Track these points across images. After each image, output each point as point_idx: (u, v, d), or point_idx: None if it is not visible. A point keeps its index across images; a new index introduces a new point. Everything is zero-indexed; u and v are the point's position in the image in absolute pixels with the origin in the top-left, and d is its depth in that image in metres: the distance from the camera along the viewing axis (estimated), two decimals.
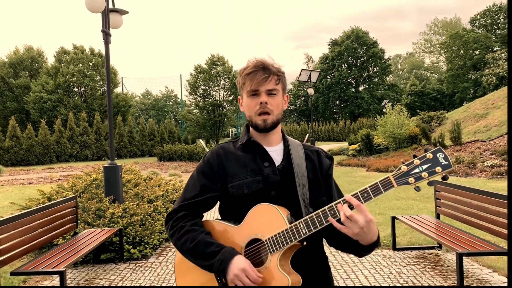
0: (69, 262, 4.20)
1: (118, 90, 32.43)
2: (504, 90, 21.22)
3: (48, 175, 15.91)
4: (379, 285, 4.03)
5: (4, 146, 22.45)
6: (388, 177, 1.48)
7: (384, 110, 21.99)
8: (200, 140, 21.12)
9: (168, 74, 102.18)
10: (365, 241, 1.53)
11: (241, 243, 1.62)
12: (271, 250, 1.56)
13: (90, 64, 29.95)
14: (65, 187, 8.15)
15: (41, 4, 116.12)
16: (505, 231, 4.12)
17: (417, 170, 1.46)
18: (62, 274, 3.92)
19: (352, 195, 1.49)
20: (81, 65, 29.52)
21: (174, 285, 5.00)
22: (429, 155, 1.46)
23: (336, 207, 1.51)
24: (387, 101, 45.08)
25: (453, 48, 55.54)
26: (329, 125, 47.68)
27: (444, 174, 1.45)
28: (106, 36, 6.99)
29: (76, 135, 24.74)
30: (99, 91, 30.37)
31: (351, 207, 1.48)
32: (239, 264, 1.55)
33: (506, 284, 4.29)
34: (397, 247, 5.69)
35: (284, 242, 1.54)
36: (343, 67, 60.77)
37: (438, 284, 4.39)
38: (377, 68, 61.89)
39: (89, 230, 5.71)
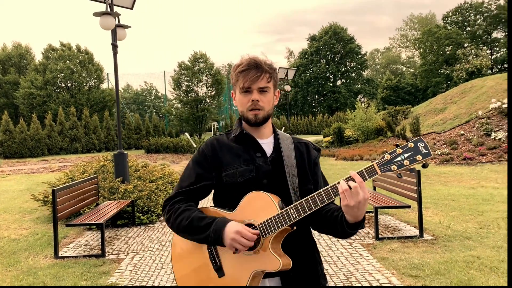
0: (104, 218, 5.87)
1: (104, 86, 33.70)
2: (461, 86, 23.38)
3: (46, 166, 17.34)
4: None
5: None
6: (373, 164, 1.56)
7: (356, 105, 23.92)
8: (186, 133, 22.73)
9: (150, 71, 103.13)
10: (352, 218, 1.60)
11: None
12: (263, 234, 1.63)
13: (77, 61, 31.14)
14: (75, 173, 9.71)
15: (28, 1, 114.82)
16: (409, 193, 5.96)
17: (399, 158, 1.54)
18: (102, 226, 5.61)
19: (357, 172, 1.58)
20: (68, 61, 30.70)
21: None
22: (411, 145, 1.54)
23: (323, 192, 1.61)
24: (362, 95, 47.09)
25: (427, 44, 57.84)
26: (308, 119, 49.60)
27: (424, 162, 1.53)
28: (115, 48, 8.59)
29: (66, 129, 26.03)
30: (86, 86, 31.62)
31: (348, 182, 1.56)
32: (233, 228, 1.63)
33: (414, 232, 6.12)
34: None
35: (276, 227, 1.62)
36: (322, 62, 62.78)
37: (362, 232, 6.23)
38: (354, 63, 64.09)
39: (108, 202, 7.35)
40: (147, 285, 4.60)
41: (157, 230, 7.04)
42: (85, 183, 6.92)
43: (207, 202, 1.45)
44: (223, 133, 1.94)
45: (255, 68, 1.76)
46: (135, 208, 7.49)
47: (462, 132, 16.35)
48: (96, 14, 8.21)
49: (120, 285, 4.61)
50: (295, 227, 1.68)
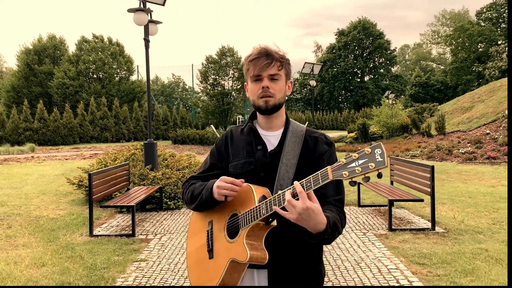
0: (135, 201, 6.34)
1: (133, 77, 34.63)
2: (490, 85, 23.05)
3: (78, 153, 18.15)
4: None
5: (33, 127, 24.74)
6: (327, 168, 1.50)
7: (382, 101, 23.92)
8: (212, 125, 23.30)
9: (178, 64, 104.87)
10: (310, 228, 1.56)
11: (226, 215, 1.80)
12: (241, 225, 1.70)
13: (109, 52, 32.12)
14: (107, 160, 10.27)
15: None
16: (424, 188, 6.19)
17: (353, 164, 1.45)
18: (133, 208, 6.08)
19: (300, 182, 1.54)
20: (100, 53, 31.70)
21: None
22: (368, 150, 1.44)
23: (283, 194, 1.58)
24: (389, 92, 46.63)
25: (458, 40, 56.63)
26: (333, 114, 49.49)
27: (378, 171, 1.42)
28: (147, 43, 9.06)
29: (97, 119, 27.00)
30: (117, 77, 32.61)
31: (295, 193, 1.53)
32: (216, 181, 1.76)
33: (427, 225, 6.36)
34: (361, 204, 7.80)
35: (250, 220, 1.66)
36: (349, 57, 62.28)
37: (376, 223, 6.50)
38: (383, 59, 63.35)
39: (138, 187, 7.85)
40: (162, 284, 5.03)
41: (183, 215, 7.50)
42: (117, 169, 7.42)
43: None
44: (241, 124, 2.02)
45: (265, 56, 1.78)
46: (163, 194, 7.97)
47: (487, 131, 16.25)
48: (130, 10, 8.68)
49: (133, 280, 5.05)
50: (274, 223, 1.68)
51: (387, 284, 4.25)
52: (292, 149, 1.80)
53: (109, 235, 6.09)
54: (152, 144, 9.05)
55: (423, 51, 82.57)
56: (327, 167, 1.50)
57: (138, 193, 7.28)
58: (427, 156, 15.50)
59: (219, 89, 31.87)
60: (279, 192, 1.60)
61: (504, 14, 56.45)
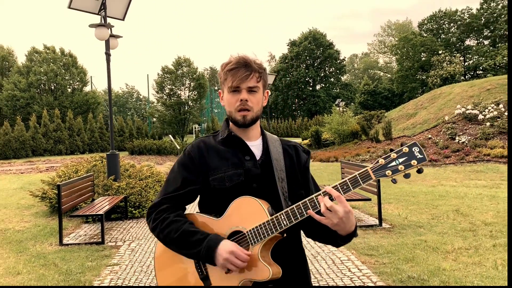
0: (103, 210, 6.62)
1: (87, 88, 34.08)
2: (431, 93, 24.72)
3: (34, 167, 17.82)
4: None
5: None
6: (367, 169, 1.53)
7: (332, 109, 25.00)
8: (170, 135, 23.44)
9: (133, 74, 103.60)
10: (343, 231, 1.57)
11: (223, 235, 1.65)
12: (253, 241, 1.60)
13: (61, 63, 31.50)
14: (69, 172, 10.35)
15: (9, 4, 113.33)
16: (372, 188, 6.88)
17: (394, 163, 1.51)
18: (102, 216, 6.36)
19: (332, 187, 1.52)
20: (52, 64, 31.03)
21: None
22: (405, 149, 1.52)
23: (316, 199, 1.54)
24: (340, 100, 48.36)
25: (403, 50, 59.64)
26: (288, 122, 50.68)
27: (419, 167, 1.50)
28: (108, 57, 9.32)
29: (50, 131, 26.42)
30: (69, 89, 32.02)
31: (331, 198, 1.51)
32: (226, 248, 1.57)
33: (375, 221, 7.04)
34: None
35: (266, 234, 1.58)
36: (301, 67, 64.04)
37: None
38: (333, 68, 65.59)
39: (103, 198, 8.08)
40: (143, 281, 5.38)
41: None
42: (82, 180, 7.64)
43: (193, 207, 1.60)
44: (209, 135, 1.86)
45: (244, 67, 1.70)
46: (128, 203, 8.24)
47: (429, 136, 17.53)
48: (91, 26, 8.93)
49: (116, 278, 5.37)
50: (285, 235, 1.64)
51: (341, 273, 4.82)
52: (278, 158, 1.76)
53: (79, 244, 6.33)
54: (114, 155, 9.29)
55: (370, 60, 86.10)
56: (366, 168, 1.55)
57: (103, 203, 7.51)
58: None
59: (175, 98, 32.01)
60: (311, 196, 1.57)
61: (443, 26, 59.99)
